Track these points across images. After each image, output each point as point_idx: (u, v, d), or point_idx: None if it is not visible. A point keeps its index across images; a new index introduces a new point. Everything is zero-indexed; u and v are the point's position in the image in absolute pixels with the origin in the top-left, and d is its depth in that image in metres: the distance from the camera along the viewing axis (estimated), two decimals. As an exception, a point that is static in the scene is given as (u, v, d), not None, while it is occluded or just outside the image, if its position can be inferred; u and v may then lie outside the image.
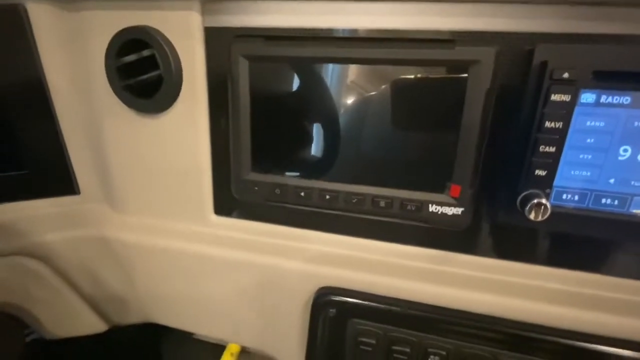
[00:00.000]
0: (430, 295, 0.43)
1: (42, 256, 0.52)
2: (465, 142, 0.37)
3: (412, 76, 0.37)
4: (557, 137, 0.33)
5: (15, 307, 0.55)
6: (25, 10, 0.43)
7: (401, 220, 0.43)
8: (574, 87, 0.32)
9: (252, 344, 0.53)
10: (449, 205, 0.39)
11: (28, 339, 0.61)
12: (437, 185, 0.40)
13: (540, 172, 0.35)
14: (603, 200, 0.35)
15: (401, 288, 0.43)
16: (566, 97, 0.32)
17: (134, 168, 0.49)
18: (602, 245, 0.37)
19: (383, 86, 0.39)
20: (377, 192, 0.41)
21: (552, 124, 0.33)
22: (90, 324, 0.57)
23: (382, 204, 0.41)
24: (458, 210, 0.40)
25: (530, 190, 0.35)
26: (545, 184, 0.35)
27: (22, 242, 0.51)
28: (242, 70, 0.41)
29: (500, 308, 0.41)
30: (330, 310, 0.44)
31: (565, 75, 0.31)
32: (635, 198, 0.34)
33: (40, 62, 0.45)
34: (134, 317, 0.58)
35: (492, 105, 0.36)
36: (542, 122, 0.33)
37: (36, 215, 0.51)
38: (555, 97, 0.32)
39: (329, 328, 0.45)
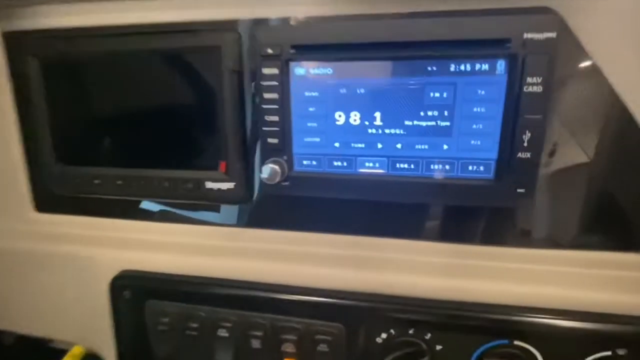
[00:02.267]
0: (222, 269, 0.45)
1: None
2: (223, 122, 0.40)
3: (171, 65, 0.41)
4: (278, 106, 0.37)
5: None
6: None
7: (188, 201, 0.45)
8: (279, 61, 0.36)
9: (77, 340, 0.53)
10: (222, 180, 0.42)
11: None
12: (210, 163, 0.43)
13: (272, 140, 0.38)
14: (335, 163, 0.38)
15: (197, 265, 0.45)
16: (275, 70, 0.36)
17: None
18: (340, 205, 0.40)
19: (152, 77, 0.43)
20: (161, 174, 0.44)
21: (270, 95, 0.37)
22: None
23: (166, 184, 0.44)
24: (231, 185, 0.42)
25: (271, 159, 0.39)
26: (282, 152, 0.39)
27: None
28: (34, 69, 0.45)
29: (272, 274, 0.43)
30: (125, 292, 0.45)
31: (269, 51, 0.36)
32: (359, 158, 0.38)
33: None
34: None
35: (240, 86, 0.39)
36: (262, 94, 0.37)
37: None
38: (266, 71, 0.36)
39: (128, 311, 0.46)
